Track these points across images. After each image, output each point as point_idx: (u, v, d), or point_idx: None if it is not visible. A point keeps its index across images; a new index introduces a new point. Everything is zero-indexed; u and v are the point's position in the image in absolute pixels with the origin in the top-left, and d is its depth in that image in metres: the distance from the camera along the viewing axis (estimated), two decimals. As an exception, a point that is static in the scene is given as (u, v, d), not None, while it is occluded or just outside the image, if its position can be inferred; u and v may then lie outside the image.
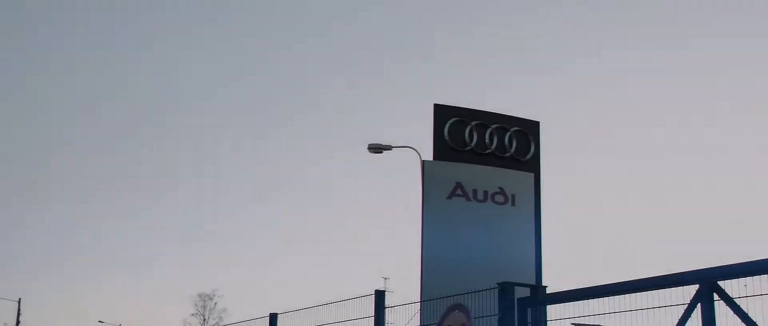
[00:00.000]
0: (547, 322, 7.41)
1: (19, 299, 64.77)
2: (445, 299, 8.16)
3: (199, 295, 52.77)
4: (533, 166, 13.73)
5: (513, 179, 13.27)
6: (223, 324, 37.30)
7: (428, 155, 13.60)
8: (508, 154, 13.56)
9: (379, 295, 8.44)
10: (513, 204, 13.05)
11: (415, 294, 10.93)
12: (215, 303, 51.83)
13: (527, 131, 13.85)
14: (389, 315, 8.88)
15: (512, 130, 13.66)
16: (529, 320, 7.31)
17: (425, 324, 8.68)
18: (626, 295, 6.61)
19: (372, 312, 8.44)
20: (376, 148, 28.71)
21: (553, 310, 7.49)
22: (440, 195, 12.74)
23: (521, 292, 7.47)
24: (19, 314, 64.48)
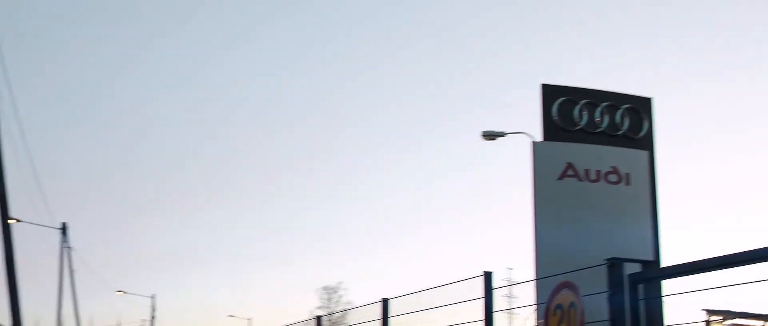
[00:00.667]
0: (662, 298, 7.20)
1: (153, 295, 67.70)
2: (554, 278, 8.05)
3: (324, 288, 53.84)
4: (647, 144, 13.39)
5: (626, 158, 12.94)
6: (338, 310, 37.92)
7: (538, 137, 13.47)
8: (619, 133, 13.28)
9: (488, 276, 8.39)
10: (627, 183, 12.72)
11: (529, 277, 10.84)
12: (340, 296, 52.81)
13: (639, 108, 13.51)
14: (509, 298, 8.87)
15: (623, 107, 13.35)
16: (642, 297, 7.12)
17: (538, 302, 8.60)
18: (753, 266, 6.25)
19: (481, 294, 8.40)
20: (490, 135, 28.63)
21: (669, 287, 7.27)
22: (551, 176, 12.56)
23: (633, 270, 7.30)
24: (153, 310, 67.43)
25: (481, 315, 8.30)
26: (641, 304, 7.01)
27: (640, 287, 7.16)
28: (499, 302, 8.44)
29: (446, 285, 9.16)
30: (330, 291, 52.88)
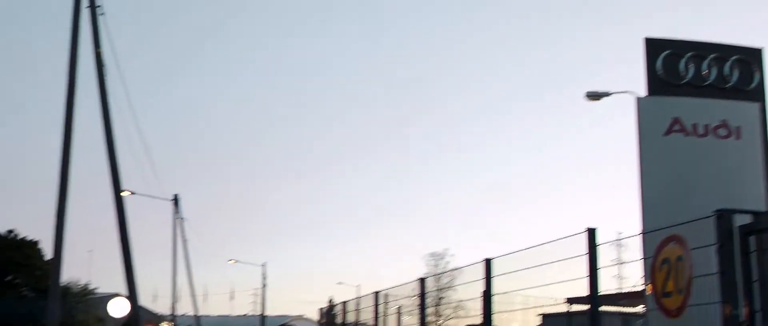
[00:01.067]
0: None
1: (264, 263, 69.52)
2: (660, 232, 7.90)
3: (431, 255, 54.12)
4: (758, 96, 12.91)
5: (736, 110, 12.51)
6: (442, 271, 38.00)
7: (642, 94, 13.14)
8: (728, 85, 12.85)
9: (591, 233, 8.28)
10: (737, 137, 12.32)
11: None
12: (447, 262, 52.95)
13: (749, 59, 13.03)
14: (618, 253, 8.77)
15: (732, 59, 12.90)
16: (753, 248, 6.91)
17: (644, 257, 8.47)
18: None
19: (585, 250, 8.30)
20: (594, 95, 28.10)
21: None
22: (656, 132, 12.27)
23: (743, 221, 7.08)
24: (264, 278, 69.25)
25: (586, 271, 8.21)
26: (752, 257, 6.80)
27: (751, 239, 6.94)
28: (604, 258, 8.31)
29: (550, 243, 9.09)
30: (437, 258, 53.08)
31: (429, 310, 13.90)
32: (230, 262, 74.55)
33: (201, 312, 61.42)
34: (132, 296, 16.77)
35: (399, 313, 15.12)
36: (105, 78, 16.62)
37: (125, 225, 16.83)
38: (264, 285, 68.36)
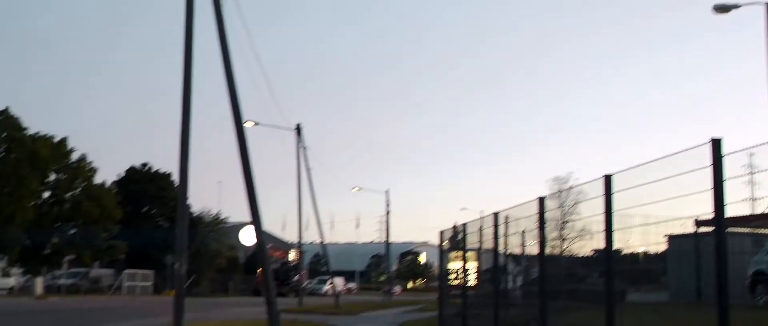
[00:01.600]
0: None
1: (387, 190, 70.40)
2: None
3: (554, 179, 53.52)
4: None
5: None
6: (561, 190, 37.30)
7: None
8: None
9: (716, 144, 7.86)
10: None
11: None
12: (570, 186, 52.26)
13: None
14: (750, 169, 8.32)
15: None
16: None
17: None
18: None
19: (709, 162, 7.90)
20: (722, 8, 26.79)
21: None
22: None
23: None
24: (388, 204, 70.21)
25: (710, 184, 7.82)
26: None
27: None
28: (730, 170, 7.88)
29: (672, 156, 8.71)
30: (560, 181, 52.43)
31: (553, 234, 13.66)
32: (354, 190, 75.80)
33: (328, 240, 63.30)
34: (256, 225, 17.18)
35: (520, 234, 14.96)
36: (221, 5, 16.81)
37: (247, 154, 17.16)
38: (388, 212, 69.22)
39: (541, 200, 13.22)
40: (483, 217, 16.77)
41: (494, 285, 15.92)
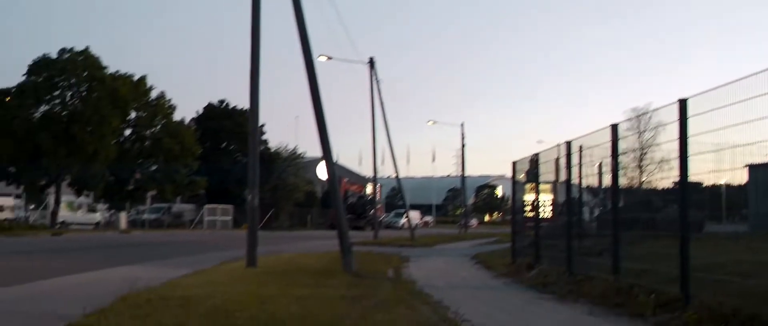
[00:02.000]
0: None
1: (463, 123, 69.93)
2: None
3: (632, 109, 52.25)
4: None
5: None
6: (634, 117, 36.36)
7: None
8: None
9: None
10: None
11: None
12: (650, 117, 51.02)
13: None
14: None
15: None
16: None
17: None
18: None
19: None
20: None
21: None
22: None
23: None
24: (463, 137, 69.77)
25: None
26: None
27: None
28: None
29: (754, 76, 8.25)
30: (639, 112, 51.21)
31: (631, 165, 13.28)
32: (429, 123, 75.43)
33: (404, 174, 63.46)
34: (326, 159, 17.11)
35: (595, 164, 14.56)
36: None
37: (316, 88, 17.03)
38: (463, 145, 68.79)
39: (614, 127, 12.81)
40: (558, 145, 16.37)
41: (567, 216, 15.61)
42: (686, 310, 9.53)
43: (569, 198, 15.58)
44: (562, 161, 15.78)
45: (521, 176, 20.13)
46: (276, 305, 10.22)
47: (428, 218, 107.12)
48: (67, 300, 12.16)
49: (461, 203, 76.06)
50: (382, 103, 45.79)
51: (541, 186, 18.49)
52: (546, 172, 17.77)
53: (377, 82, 45.33)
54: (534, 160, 18.39)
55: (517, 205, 21.62)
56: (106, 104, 53.91)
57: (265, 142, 76.59)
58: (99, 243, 33.41)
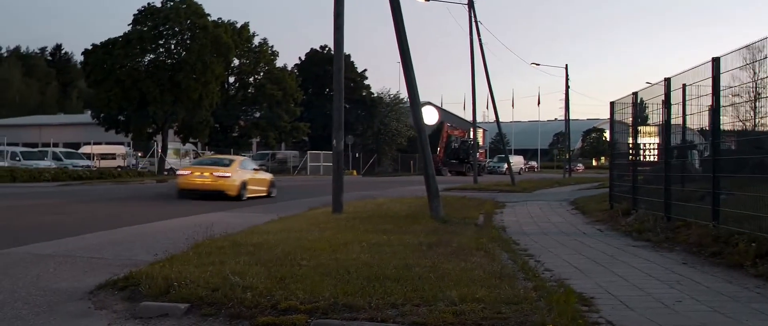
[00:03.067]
0: None
1: (566, 65, 67.89)
2: None
3: (748, 47, 49.52)
4: None
5: None
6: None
7: None
8: None
9: None
10: None
11: None
12: (766, 55, 48.20)
13: None
14: None
15: None
16: None
17: None
18: None
19: None
20: None
21: None
22: None
23: None
24: (567, 79, 67.81)
25: None
26: None
27: None
28: None
29: None
30: (753, 50, 48.44)
31: (743, 105, 12.17)
32: (532, 65, 73.68)
33: (510, 119, 62.27)
34: (413, 103, 16.54)
35: (697, 103, 13.53)
36: None
37: (402, 29, 16.41)
38: (567, 88, 66.86)
39: (716, 61, 11.78)
40: (655, 84, 15.33)
41: (666, 159, 14.65)
42: (790, 261, 8.68)
43: (668, 139, 14.59)
44: (662, 100, 14.76)
45: (622, 117, 19.08)
46: (347, 252, 9.85)
47: (533, 163, 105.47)
48: (147, 246, 12.18)
49: (565, 147, 74.18)
50: (481, 45, 44.71)
51: (641, 128, 17.47)
52: (647, 112, 16.75)
53: (477, 23, 44.19)
54: (634, 100, 17.34)
55: (616, 149, 20.60)
56: (209, 52, 54.47)
57: (368, 87, 76.34)
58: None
